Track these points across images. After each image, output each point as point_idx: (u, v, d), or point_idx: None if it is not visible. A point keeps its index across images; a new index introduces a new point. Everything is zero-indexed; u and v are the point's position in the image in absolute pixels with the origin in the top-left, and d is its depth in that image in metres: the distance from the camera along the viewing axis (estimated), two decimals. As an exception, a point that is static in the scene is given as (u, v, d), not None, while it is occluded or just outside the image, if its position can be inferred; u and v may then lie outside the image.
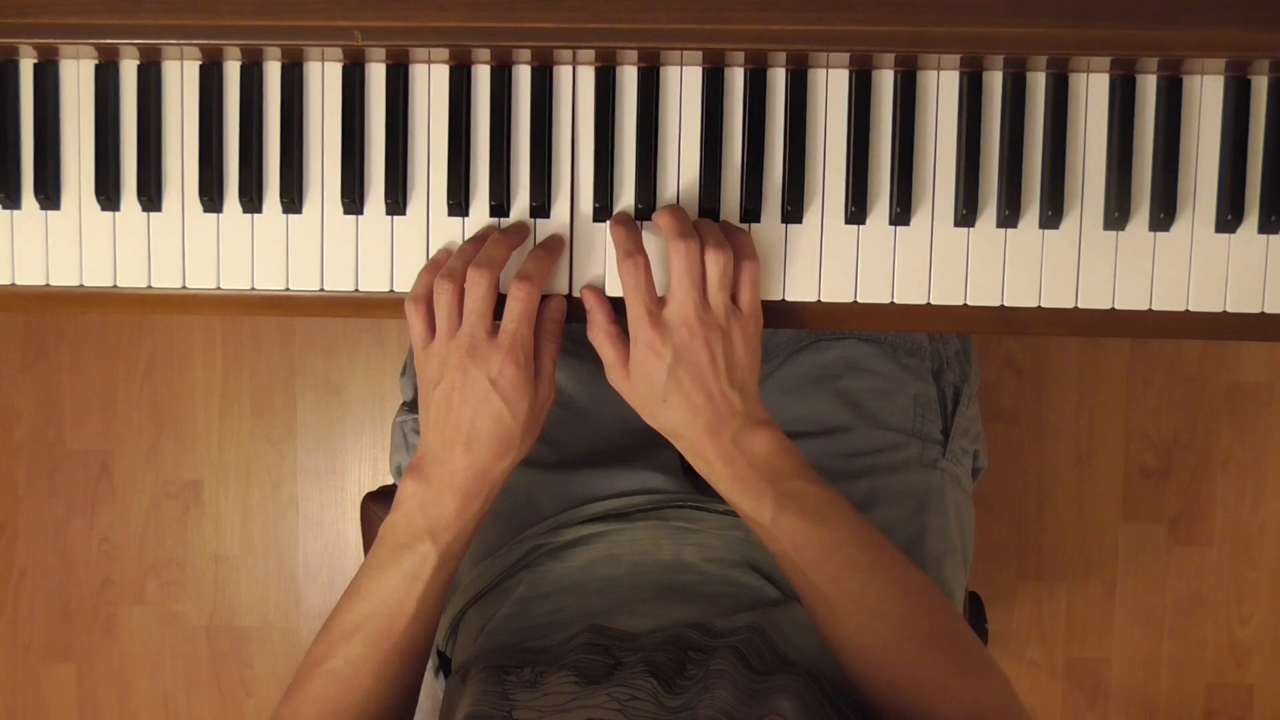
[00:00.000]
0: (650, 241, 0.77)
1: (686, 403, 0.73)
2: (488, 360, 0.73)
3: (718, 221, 0.79)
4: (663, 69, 0.78)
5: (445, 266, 0.75)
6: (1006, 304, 0.79)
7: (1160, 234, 0.79)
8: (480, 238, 0.78)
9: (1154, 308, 0.79)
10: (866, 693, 0.74)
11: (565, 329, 0.79)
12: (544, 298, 0.78)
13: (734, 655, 0.72)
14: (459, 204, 0.79)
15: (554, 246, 0.78)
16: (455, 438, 0.74)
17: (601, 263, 0.79)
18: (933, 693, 0.71)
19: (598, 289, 0.78)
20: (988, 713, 0.71)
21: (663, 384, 0.73)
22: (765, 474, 0.74)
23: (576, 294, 0.79)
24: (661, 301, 0.74)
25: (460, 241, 0.79)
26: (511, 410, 0.74)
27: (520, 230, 0.78)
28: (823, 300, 0.79)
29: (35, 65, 0.80)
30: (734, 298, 0.75)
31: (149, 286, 0.81)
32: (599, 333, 0.76)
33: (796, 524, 0.73)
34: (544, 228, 0.79)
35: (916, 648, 0.72)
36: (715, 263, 0.73)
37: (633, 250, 0.74)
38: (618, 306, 0.77)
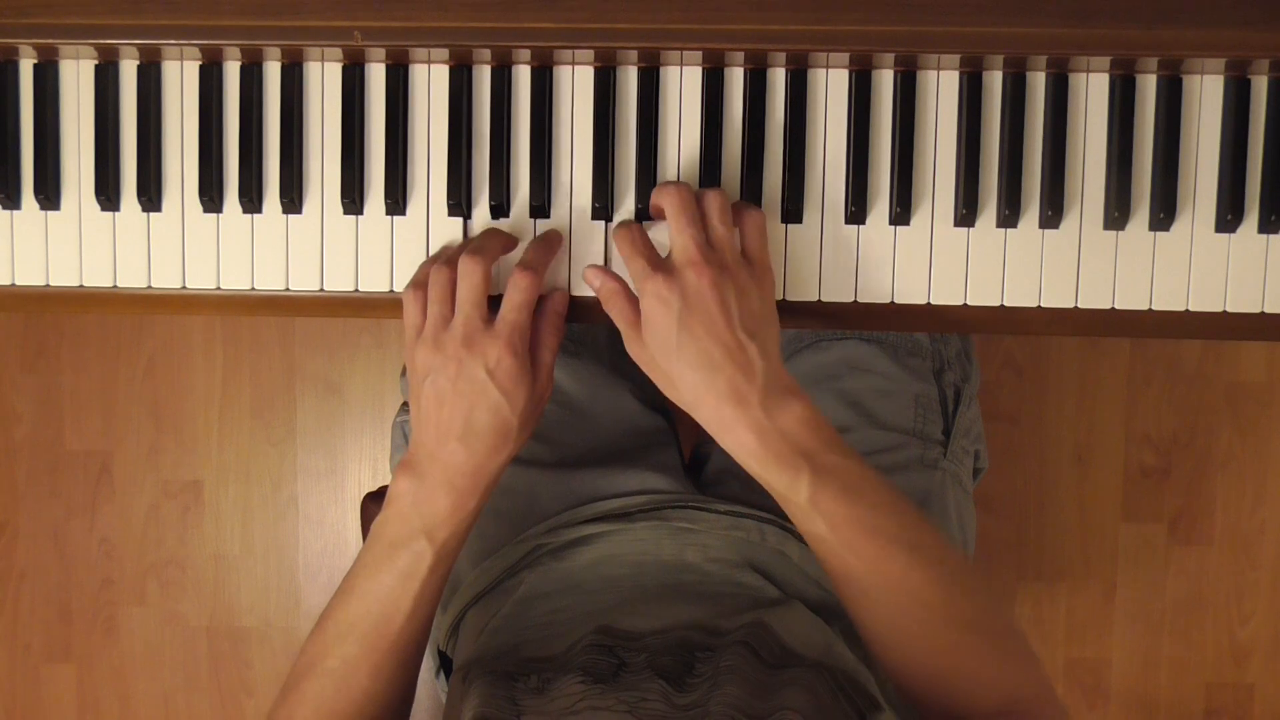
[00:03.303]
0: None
1: (702, 356, 0.69)
2: (485, 350, 0.71)
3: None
4: (663, 69, 0.78)
5: (444, 255, 0.75)
6: (1006, 304, 0.79)
7: (1160, 234, 0.79)
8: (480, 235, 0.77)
9: (1154, 308, 0.79)
10: (900, 680, 0.72)
11: (566, 327, 0.78)
12: (546, 293, 0.77)
13: (744, 649, 0.71)
14: (459, 204, 0.79)
15: (553, 241, 0.78)
16: (450, 431, 0.72)
17: (600, 262, 0.79)
18: (970, 680, 0.69)
19: (595, 267, 0.76)
20: (1025, 700, 0.69)
21: (675, 336, 0.69)
22: (800, 448, 0.69)
23: (575, 293, 0.79)
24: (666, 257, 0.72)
25: (460, 241, 0.79)
26: (509, 402, 0.72)
27: (515, 238, 0.78)
28: (823, 300, 0.79)
29: (35, 65, 0.80)
30: (743, 249, 0.72)
31: (149, 286, 0.81)
32: (614, 299, 0.73)
33: (835, 502, 0.69)
34: (544, 228, 0.79)
35: (956, 633, 0.70)
36: (713, 200, 0.71)
37: (628, 224, 0.73)
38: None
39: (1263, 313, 0.79)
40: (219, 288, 0.81)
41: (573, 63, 0.78)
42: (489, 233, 0.76)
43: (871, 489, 0.70)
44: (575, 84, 0.79)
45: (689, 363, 0.69)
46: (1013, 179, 0.78)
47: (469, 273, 0.72)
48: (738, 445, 0.71)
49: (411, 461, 0.74)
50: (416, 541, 0.74)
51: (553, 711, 0.68)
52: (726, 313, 0.69)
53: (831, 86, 0.78)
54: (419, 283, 0.74)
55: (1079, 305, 0.79)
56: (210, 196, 0.79)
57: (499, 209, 0.79)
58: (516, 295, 0.73)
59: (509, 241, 0.77)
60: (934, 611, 0.70)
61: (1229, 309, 0.79)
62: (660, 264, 0.71)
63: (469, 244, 0.75)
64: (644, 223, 0.78)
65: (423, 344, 0.73)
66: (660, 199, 0.73)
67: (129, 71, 0.80)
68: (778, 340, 0.72)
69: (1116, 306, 0.79)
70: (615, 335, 0.78)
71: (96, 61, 0.80)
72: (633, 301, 0.73)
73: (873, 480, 0.71)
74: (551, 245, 0.77)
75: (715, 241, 0.71)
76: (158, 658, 1.79)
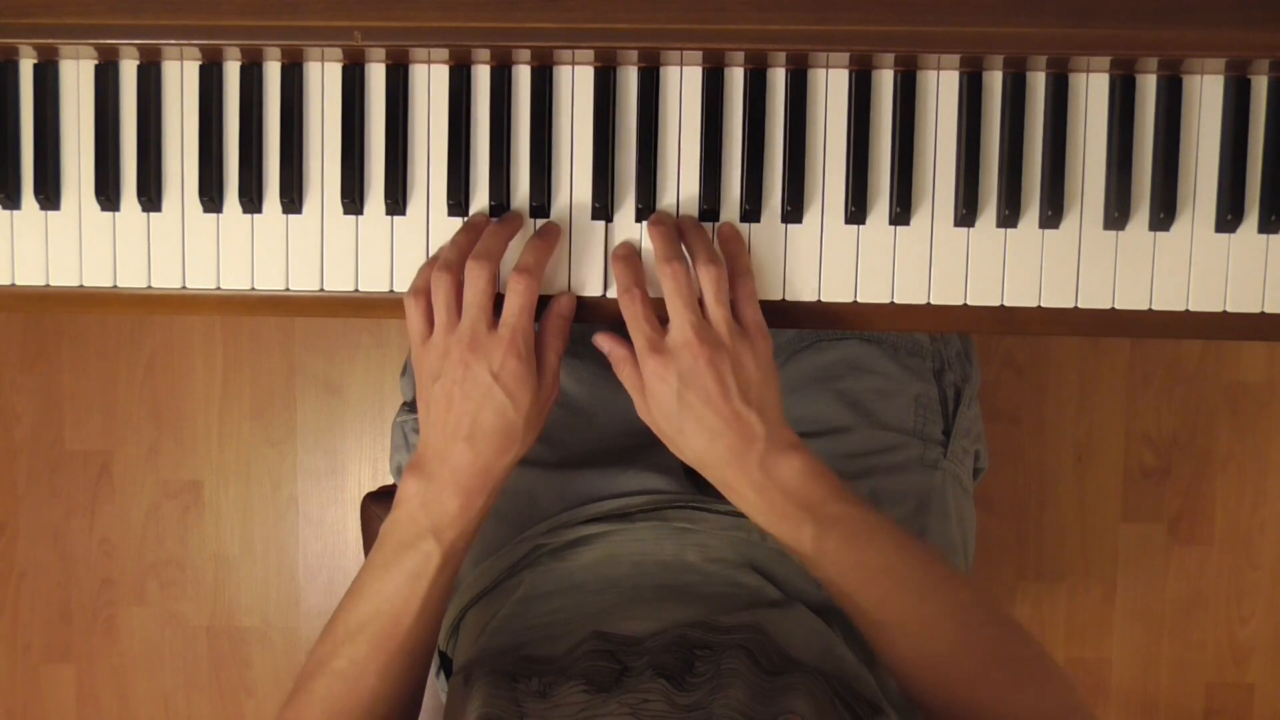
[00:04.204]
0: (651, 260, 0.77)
1: (701, 428, 0.72)
2: (489, 353, 0.73)
3: (716, 222, 0.79)
4: (663, 69, 0.78)
5: (441, 259, 0.75)
6: (1006, 304, 0.79)
7: (1160, 234, 0.79)
8: (473, 226, 0.77)
9: (1154, 308, 0.79)
10: (925, 709, 0.73)
11: (571, 328, 0.78)
12: (553, 295, 0.78)
13: (744, 655, 0.72)
14: (459, 204, 0.79)
15: (551, 235, 0.78)
16: (457, 433, 0.73)
17: (600, 262, 0.79)
18: (989, 709, 0.70)
19: (605, 333, 0.78)
20: None
21: (676, 412, 0.72)
22: (801, 502, 0.72)
23: (579, 294, 0.79)
24: (664, 330, 0.73)
25: (450, 241, 0.79)
26: (514, 404, 0.73)
27: (515, 219, 0.78)
28: (823, 300, 0.79)
29: (35, 65, 0.80)
30: (736, 317, 0.74)
31: (149, 286, 0.81)
32: (623, 366, 0.76)
33: (840, 549, 0.71)
34: (544, 228, 0.79)
35: (972, 665, 0.71)
36: (708, 278, 0.73)
37: (629, 285, 0.74)
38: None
39: (1263, 313, 0.79)
40: (219, 288, 0.81)
41: (573, 63, 0.78)
42: (493, 231, 0.76)
43: (876, 533, 0.72)
44: (575, 84, 0.79)
45: (690, 434, 0.73)
46: (1013, 179, 0.78)
47: (476, 277, 0.73)
48: (741, 503, 0.74)
49: (420, 463, 0.75)
50: (425, 542, 0.74)
51: (556, 718, 0.68)
52: (724, 388, 0.72)
53: (831, 86, 0.78)
54: (420, 289, 0.75)
55: (1079, 305, 0.79)
56: (210, 196, 0.79)
57: (499, 209, 0.79)
58: (516, 299, 0.73)
59: (512, 232, 0.77)
60: (946, 645, 0.71)
61: (1229, 309, 0.79)
62: (658, 344, 0.73)
63: (469, 245, 0.75)
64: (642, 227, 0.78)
65: (430, 348, 0.74)
66: (657, 269, 0.74)
67: (129, 71, 0.80)
68: (778, 399, 0.74)
69: (1116, 306, 0.79)
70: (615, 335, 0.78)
71: (96, 61, 0.80)
72: (639, 368, 0.75)
73: (876, 524, 0.73)
74: (549, 240, 0.77)
75: (710, 318, 0.73)
76: (158, 658, 1.79)
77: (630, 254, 0.78)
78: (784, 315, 0.80)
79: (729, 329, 0.73)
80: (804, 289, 0.79)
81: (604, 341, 0.78)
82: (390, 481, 1.13)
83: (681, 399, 0.72)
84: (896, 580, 0.71)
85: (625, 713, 0.66)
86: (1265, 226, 0.78)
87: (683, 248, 0.75)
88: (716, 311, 0.73)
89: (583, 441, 0.96)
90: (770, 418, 0.73)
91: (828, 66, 0.78)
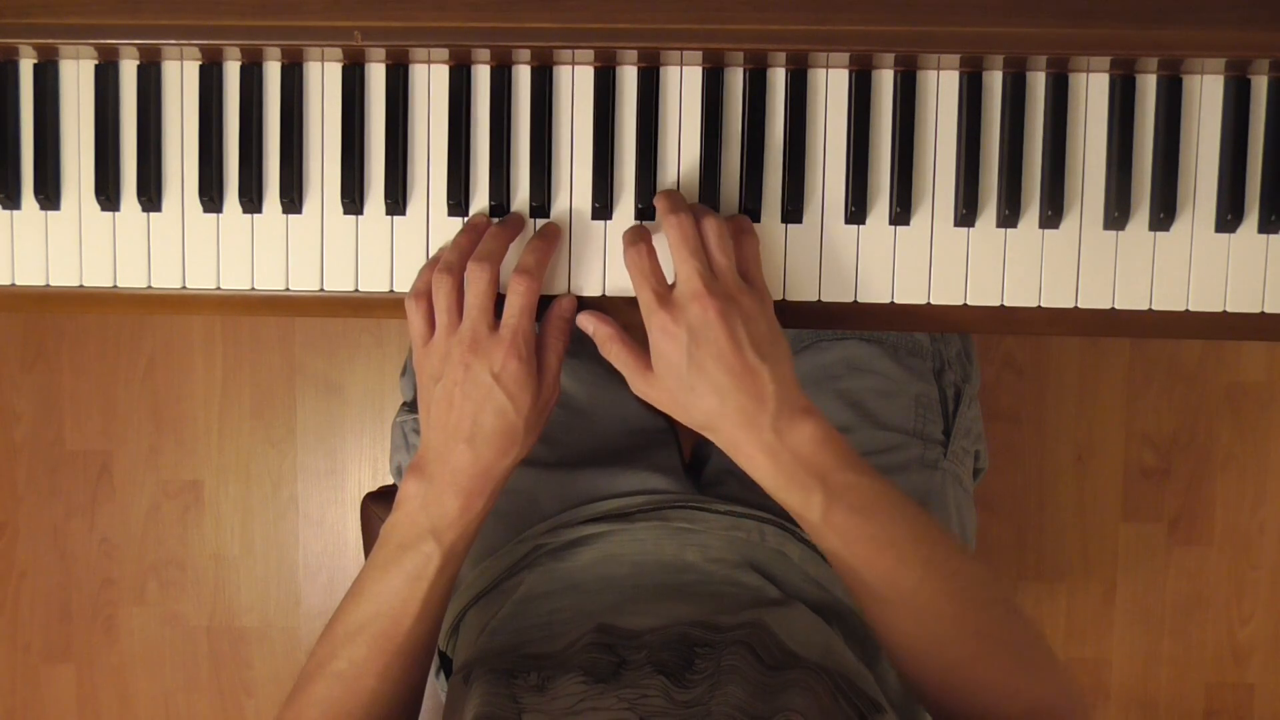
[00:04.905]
0: (658, 245, 0.77)
1: (712, 386, 0.70)
2: (490, 355, 0.72)
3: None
4: (663, 69, 0.78)
5: (442, 261, 0.75)
6: (1006, 304, 0.79)
7: (1160, 234, 0.79)
8: (474, 227, 0.77)
9: (1154, 308, 0.79)
10: (920, 690, 0.73)
11: (572, 329, 0.78)
12: (555, 296, 0.78)
13: (745, 650, 0.71)
14: (459, 204, 0.79)
15: (551, 236, 0.78)
16: (457, 434, 0.73)
17: (600, 262, 0.79)
18: (987, 692, 0.70)
19: (588, 312, 0.77)
20: (1045, 712, 0.70)
21: (685, 369, 0.70)
22: (812, 468, 0.70)
23: (579, 294, 0.79)
24: (671, 285, 0.73)
25: (451, 242, 0.79)
26: (515, 405, 0.73)
27: (516, 221, 0.78)
28: (823, 300, 0.79)
29: (35, 65, 0.80)
30: (741, 275, 0.73)
31: (149, 286, 0.81)
32: (609, 344, 0.75)
33: (847, 520, 0.70)
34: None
35: (972, 646, 0.71)
36: (711, 228, 0.72)
37: (635, 238, 0.74)
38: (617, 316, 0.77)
39: (1263, 313, 0.79)
40: (219, 288, 0.81)
41: (573, 63, 0.78)
42: (494, 233, 0.76)
43: (886, 505, 0.71)
44: (575, 84, 0.79)
45: (700, 393, 0.71)
46: (1013, 179, 0.78)
47: (477, 279, 0.73)
48: (751, 466, 0.72)
49: (420, 464, 0.75)
50: (425, 543, 0.74)
51: (554, 711, 0.68)
52: (735, 341, 0.70)
53: (831, 86, 0.78)
54: (421, 292, 0.75)
55: (1079, 305, 0.79)
56: (210, 196, 0.79)
57: (499, 209, 0.79)
58: (517, 300, 0.73)
59: (513, 234, 0.77)
60: (948, 624, 0.70)
61: (1229, 309, 0.79)
62: (666, 297, 0.71)
63: (469, 246, 0.75)
64: (647, 224, 0.78)
65: (431, 350, 0.74)
66: (662, 221, 0.74)
67: (129, 71, 0.80)
68: (789, 359, 0.73)
69: (1116, 306, 0.79)
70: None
71: (96, 61, 0.80)
72: (629, 345, 0.75)
73: (887, 496, 0.71)
74: (550, 241, 0.77)
75: (717, 269, 0.71)
76: (158, 658, 1.79)
77: (637, 226, 0.78)
78: (784, 315, 0.79)
79: (735, 281, 0.72)
80: (804, 289, 0.79)
81: (588, 321, 0.76)
82: (390, 481, 1.13)
83: (691, 355, 0.70)
84: (903, 554, 0.70)
85: (624, 708, 0.66)
86: (1265, 226, 0.78)
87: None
88: (721, 261, 0.71)
89: (583, 441, 0.96)
90: (782, 377, 0.71)
91: (828, 66, 0.78)
